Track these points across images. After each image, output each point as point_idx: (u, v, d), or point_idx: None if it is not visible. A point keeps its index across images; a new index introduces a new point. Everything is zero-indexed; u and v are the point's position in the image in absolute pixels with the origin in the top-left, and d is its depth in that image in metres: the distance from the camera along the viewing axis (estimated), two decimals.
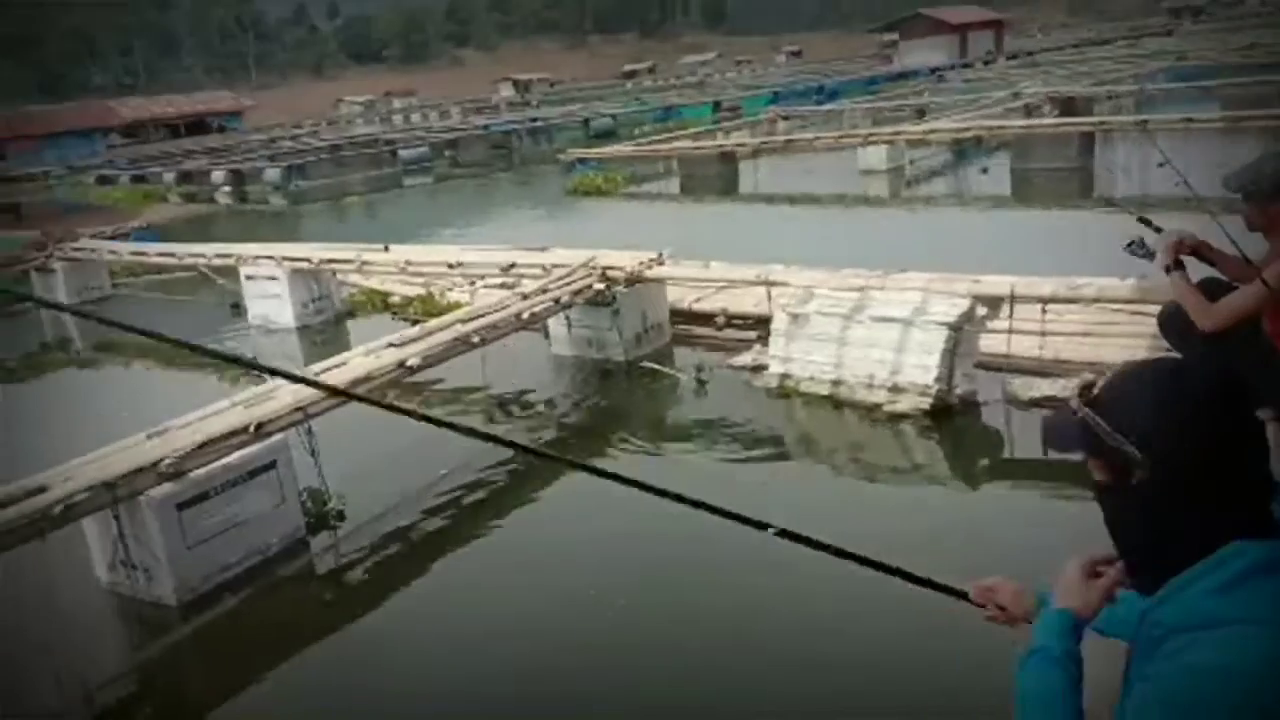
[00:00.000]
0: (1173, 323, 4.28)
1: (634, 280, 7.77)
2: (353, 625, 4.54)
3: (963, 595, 1.91)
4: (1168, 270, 3.85)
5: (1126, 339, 6.29)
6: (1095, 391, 1.44)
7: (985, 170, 16.77)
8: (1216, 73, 23.88)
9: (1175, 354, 3.85)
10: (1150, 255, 3.91)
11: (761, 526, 2.00)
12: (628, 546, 4.94)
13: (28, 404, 9.08)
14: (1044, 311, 6.38)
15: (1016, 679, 1.56)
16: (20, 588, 4.41)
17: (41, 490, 4.36)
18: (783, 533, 1.99)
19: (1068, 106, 20.19)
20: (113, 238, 13.67)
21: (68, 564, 4.78)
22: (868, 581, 1.99)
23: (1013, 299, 6.22)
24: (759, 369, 7.05)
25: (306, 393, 5.37)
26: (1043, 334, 6.43)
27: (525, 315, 7.02)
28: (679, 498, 2.03)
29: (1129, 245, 3.95)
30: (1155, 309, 5.06)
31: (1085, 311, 6.70)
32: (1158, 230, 3.96)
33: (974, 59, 45.82)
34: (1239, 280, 3.81)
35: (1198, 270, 3.93)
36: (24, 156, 38.32)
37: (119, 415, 6.85)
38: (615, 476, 2.09)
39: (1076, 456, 1.54)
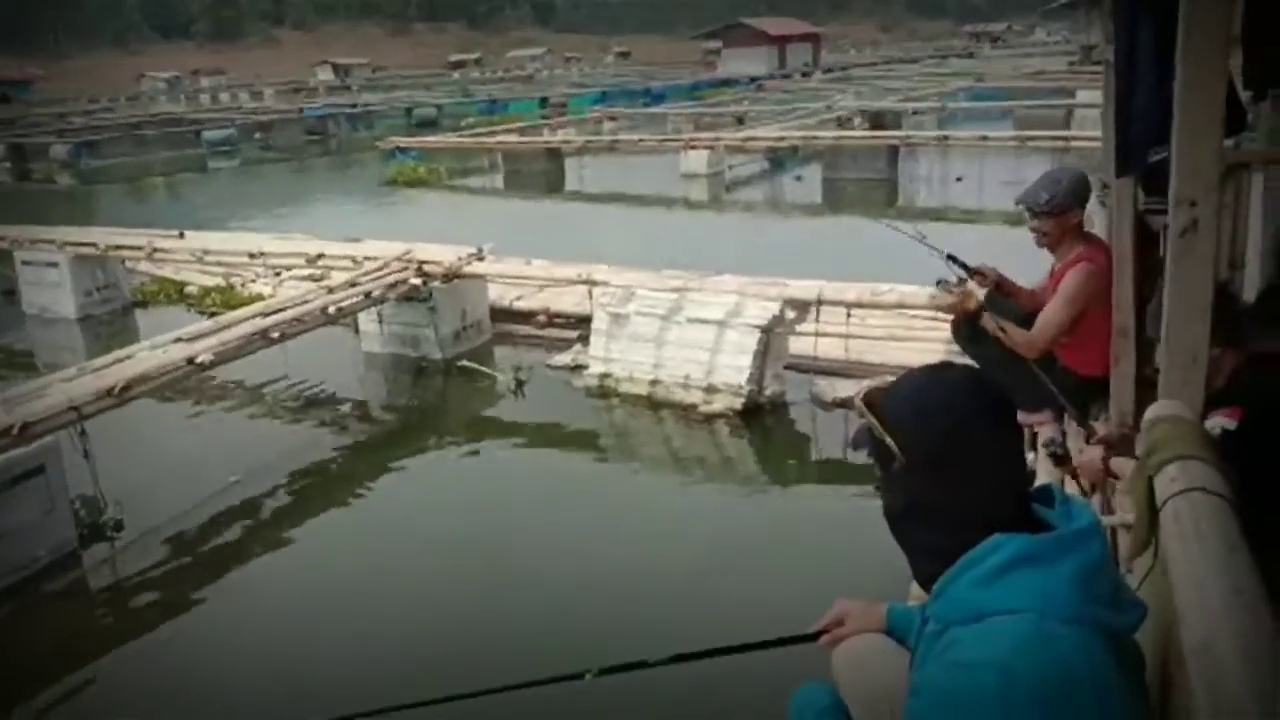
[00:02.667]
0: (961, 329, 4.52)
1: (452, 276, 7.57)
2: (131, 645, 4.17)
3: (813, 638, 1.90)
4: (976, 316, 3.98)
5: (925, 342, 6.62)
6: (881, 394, 1.53)
7: (799, 178, 17.42)
8: (1010, 95, 25.78)
9: (966, 358, 4.03)
10: (952, 287, 4.06)
11: (578, 676, 1.92)
12: (449, 540, 4.82)
13: None
14: (849, 316, 6.62)
15: None
16: None
17: None
18: (603, 671, 1.92)
19: (877, 120, 21.25)
20: None
21: None
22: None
23: (820, 303, 6.44)
24: (579, 368, 7.01)
25: (81, 391, 4.93)
26: (848, 337, 6.68)
27: (332, 310, 6.70)
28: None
29: (940, 283, 4.08)
30: (949, 316, 5.36)
31: (887, 316, 7.02)
32: (964, 266, 4.08)
33: (792, 70, 47.59)
34: (1030, 306, 4.02)
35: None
36: None
37: None
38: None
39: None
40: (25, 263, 9.50)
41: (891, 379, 1.60)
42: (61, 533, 4.74)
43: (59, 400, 4.82)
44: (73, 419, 4.80)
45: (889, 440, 1.46)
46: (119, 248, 9.23)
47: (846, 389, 6.20)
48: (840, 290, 6.49)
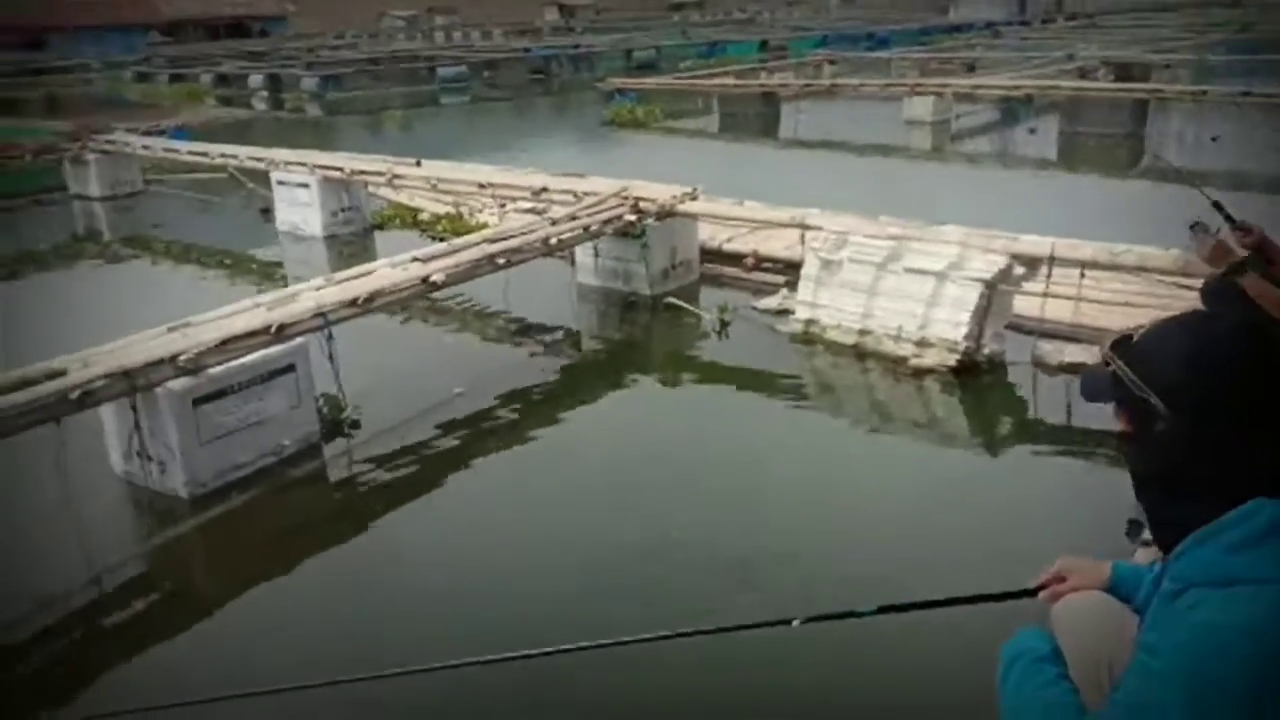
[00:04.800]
0: (1216, 296, 4.11)
1: (665, 214, 7.65)
2: (362, 531, 4.56)
3: (1032, 593, 1.85)
4: (1240, 271, 3.58)
5: (1165, 311, 6.13)
6: (1133, 342, 1.44)
7: (1033, 130, 16.34)
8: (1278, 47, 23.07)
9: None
10: (1212, 235, 3.66)
11: (785, 623, 1.92)
12: (647, 470, 4.95)
13: (55, 294, 9.11)
14: (1082, 276, 6.22)
15: (1001, 690, 1.59)
16: (37, 471, 4.43)
17: (60, 374, 4.37)
18: (808, 619, 1.92)
19: (1123, 72, 19.59)
20: (147, 134, 13.60)
21: (87, 451, 4.80)
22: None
23: (1051, 261, 6.08)
24: (784, 313, 6.96)
25: (329, 298, 5.36)
26: (1078, 299, 6.29)
27: (553, 241, 6.93)
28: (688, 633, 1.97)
29: (1193, 226, 3.70)
30: (1197, 281, 4.92)
31: (1124, 280, 6.55)
32: (1229, 218, 3.70)
33: (1033, 16, 44.52)
34: None
35: None
36: (63, 47, 38.05)
37: (143, 309, 6.84)
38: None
39: (1106, 410, 1.51)
40: (280, 183, 10.34)
41: (1131, 329, 1.49)
42: (306, 426, 5.21)
43: (309, 306, 5.27)
44: (320, 324, 5.24)
45: (1154, 399, 1.35)
46: (362, 172, 9.89)
47: (1074, 354, 5.86)
48: (1074, 248, 6.10)
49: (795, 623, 1.93)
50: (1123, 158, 14.10)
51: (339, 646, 3.64)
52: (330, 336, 5.29)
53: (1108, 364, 1.44)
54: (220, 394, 4.83)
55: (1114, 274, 6.41)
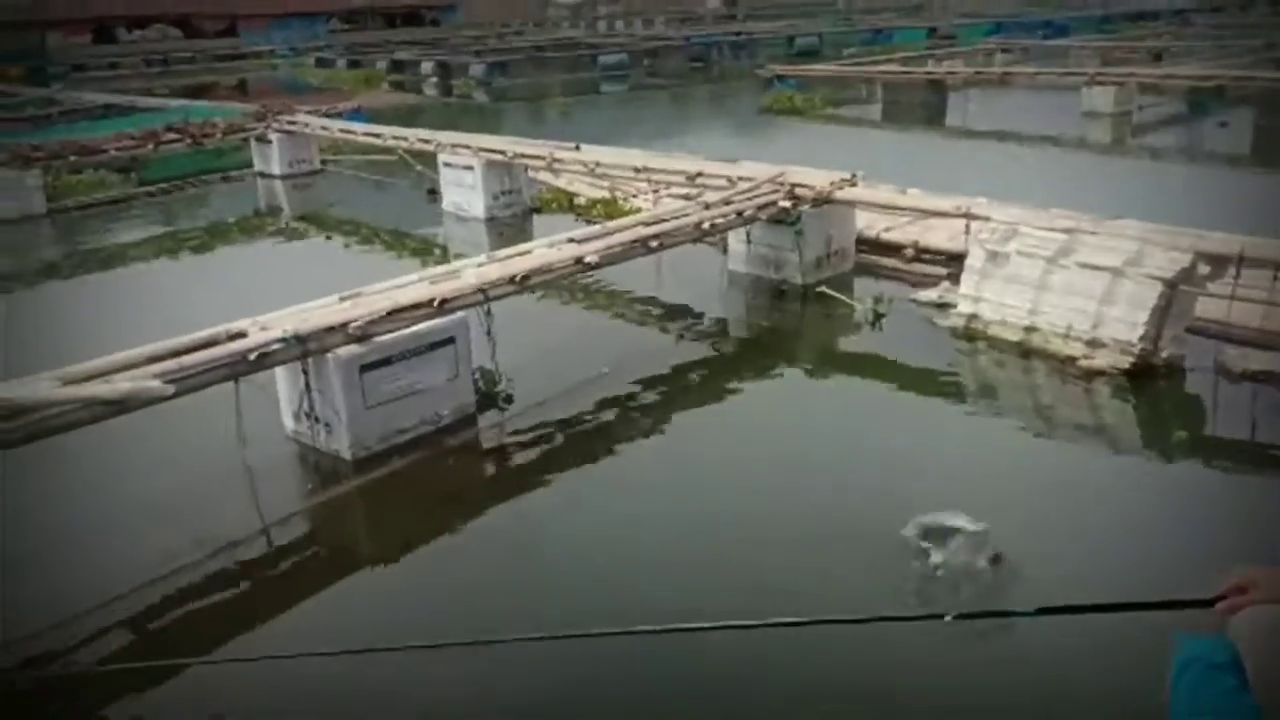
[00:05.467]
0: None
1: (822, 200, 7.51)
2: (512, 501, 4.68)
3: (1209, 603, 1.71)
4: None
5: None
6: None
7: (1225, 124, 15.22)
8: None
9: None
10: None
11: (938, 616, 1.85)
12: (795, 467, 4.88)
13: (238, 264, 9.74)
14: (1275, 279, 5.75)
15: (1172, 697, 1.45)
16: (215, 425, 4.74)
17: (240, 336, 4.66)
18: (962, 615, 1.83)
19: None
20: (326, 115, 14.35)
21: (260, 410, 5.10)
22: None
23: (1240, 260, 5.64)
24: (945, 306, 6.72)
25: (489, 275, 5.52)
26: (1270, 304, 5.81)
27: (706, 225, 6.91)
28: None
29: None
30: None
31: None
32: None
33: (1226, 2, 41.43)
34: None
35: None
36: (253, 36, 40.63)
37: (316, 281, 7.23)
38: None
39: None
40: (446, 165, 10.72)
41: None
42: (463, 397, 5.39)
43: (471, 282, 5.44)
44: (480, 299, 5.41)
45: None
46: (523, 156, 10.13)
47: (1261, 361, 5.43)
48: (1268, 248, 5.64)
49: (948, 617, 1.86)
50: None
51: (481, 606, 3.76)
52: (489, 312, 5.44)
53: None
54: (385, 362, 5.04)
55: None
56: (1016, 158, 13.98)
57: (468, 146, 10.57)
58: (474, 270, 5.66)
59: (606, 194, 10.25)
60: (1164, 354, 5.59)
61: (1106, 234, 5.96)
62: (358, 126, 13.35)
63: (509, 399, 5.54)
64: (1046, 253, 5.98)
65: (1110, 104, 15.82)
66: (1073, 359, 5.72)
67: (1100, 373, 5.59)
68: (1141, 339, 5.48)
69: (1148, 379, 5.54)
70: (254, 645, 3.64)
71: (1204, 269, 5.68)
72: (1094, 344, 5.65)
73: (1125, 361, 5.51)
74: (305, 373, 4.92)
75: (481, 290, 5.39)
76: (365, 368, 4.97)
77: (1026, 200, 7.54)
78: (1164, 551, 3.94)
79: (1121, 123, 15.80)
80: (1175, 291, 5.53)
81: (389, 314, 5.05)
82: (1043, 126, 15.52)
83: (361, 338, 4.95)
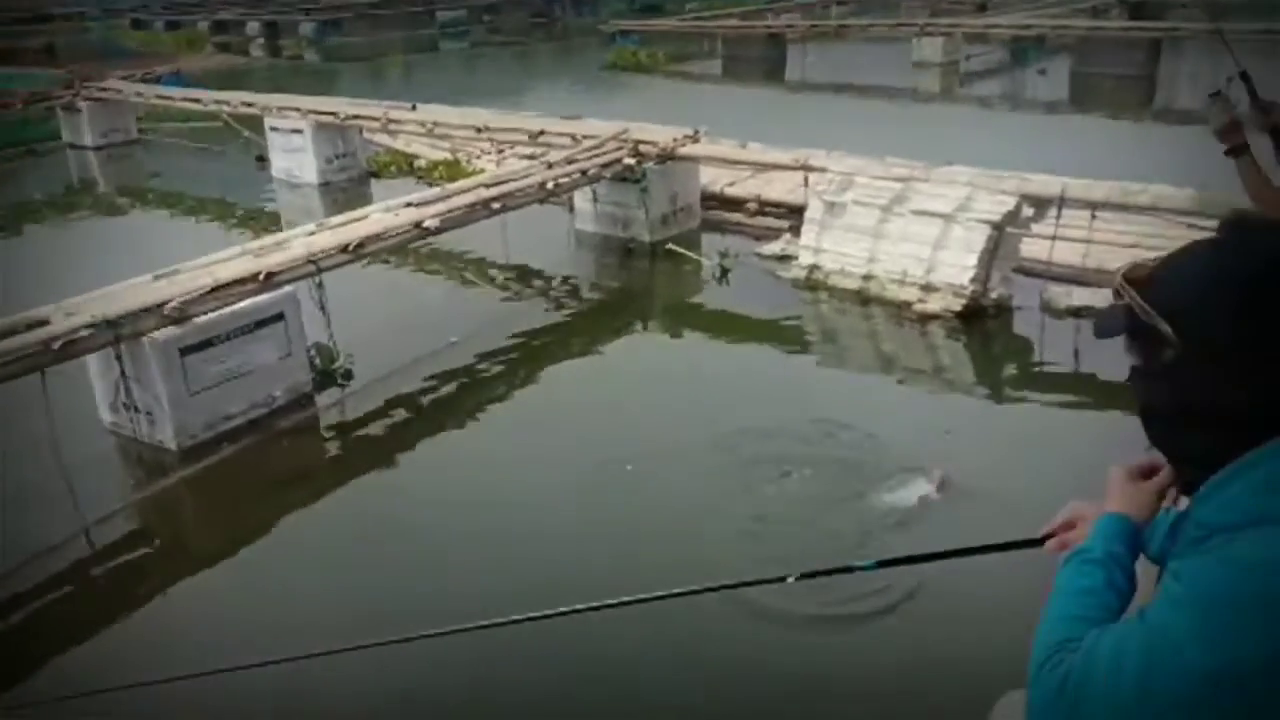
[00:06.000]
0: (1236, 231, 3.97)
1: (666, 157, 7.47)
2: (355, 482, 4.49)
3: (1039, 542, 1.73)
4: (1231, 153, 3.49)
5: None
6: (1147, 272, 1.29)
7: (1044, 72, 15.98)
8: None
9: None
10: (1231, 109, 3.52)
11: (780, 580, 1.83)
12: (634, 417, 4.85)
13: (50, 247, 8.98)
14: (1093, 218, 6.06)
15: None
16: (23, 422, 4.34)
17: (42, 324, 4.27)
18: (804, 575, 1.81)
19: (1137, 10, 19.12)
20: (141, 81, 13.35)
21: (72, 403, 4.71)
22: None
23: (1062, 201, 5.92)
24: (787, 259, 6.81)
25: (319, 245, 5.24)
26: (1089, 242, 6.13)
27: (550, 185, 6.76)
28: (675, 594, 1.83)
29: (1213, 95, 3.53)
30: (1213, 221, 4.77)
31: (1135, 223, 6.37)
32: (1253, 92, 3.51)
33: None
34: None
35: None
36: None
37: (135, 259, 6.73)
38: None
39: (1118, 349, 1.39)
40: (274, 129, 10.14)
41: (1146, 259, 1.37)
42: (297, 376, 5.12)
43: (299, 253, 5.14)
44: (311, 271, 5.12)
45: (1161, 325, 1.22)
46: (357, 117, 9.69)
47: (1082, 298, 5.72)
48: (1086, 188, 5.93)
49: (791, 579, 1.83)
50: (1135, 98, 13.79)
51: (330, 602, 3.57)
52: (321, 284, 5.16)
53: (1119, 295, 1.31)
54: (208, 343, 4.73)
55: (1124, 216, 6.24)
56: (853, 109, 14.31)
57: (296, 109, 10.03)
58: (303, 240, 5.37)
59: (448, 155, 9.93)
60: (993, 295, 5.82)
61: (938, 181, 6.14)
62: (175, 91, 12.50)
63: (348, 375, 5.30)
64: (881, 201, 6.12)
65: (939, 54, 16.36)
66: (909, 304, 5.89)
67: (935, 316, 5.78)
68: (972, 281, 5.68)
69: (979, 319, 5.77)
70: (78, 660, 3.36)
71: (1028, 211, 5.93)
72: (928, 288, 5.84)
73: (958, 304, 5.71)
74: (119, 359, 4.55)
75: (312, 261, 5.11)
76: (186, 350, 4.65)
77: (863, 151, 7.71)
78: (996, 476, 4.10)
79: (950, 72, 16.38)
80: (1002, 234, 5.75)
81: (210, 291, 4.72)
82: (877, 78, 15.93)
83: (180, 319, 4.62)
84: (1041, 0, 21.35)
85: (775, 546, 3.69)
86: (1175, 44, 15.33)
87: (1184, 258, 1.28)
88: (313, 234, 5.52)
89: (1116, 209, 6.00)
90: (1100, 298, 5.65)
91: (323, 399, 5.19)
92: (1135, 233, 6.39)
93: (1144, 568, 1.61)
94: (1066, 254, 6.10)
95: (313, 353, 5.24)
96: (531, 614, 1.90)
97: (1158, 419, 1.31)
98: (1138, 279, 1.30)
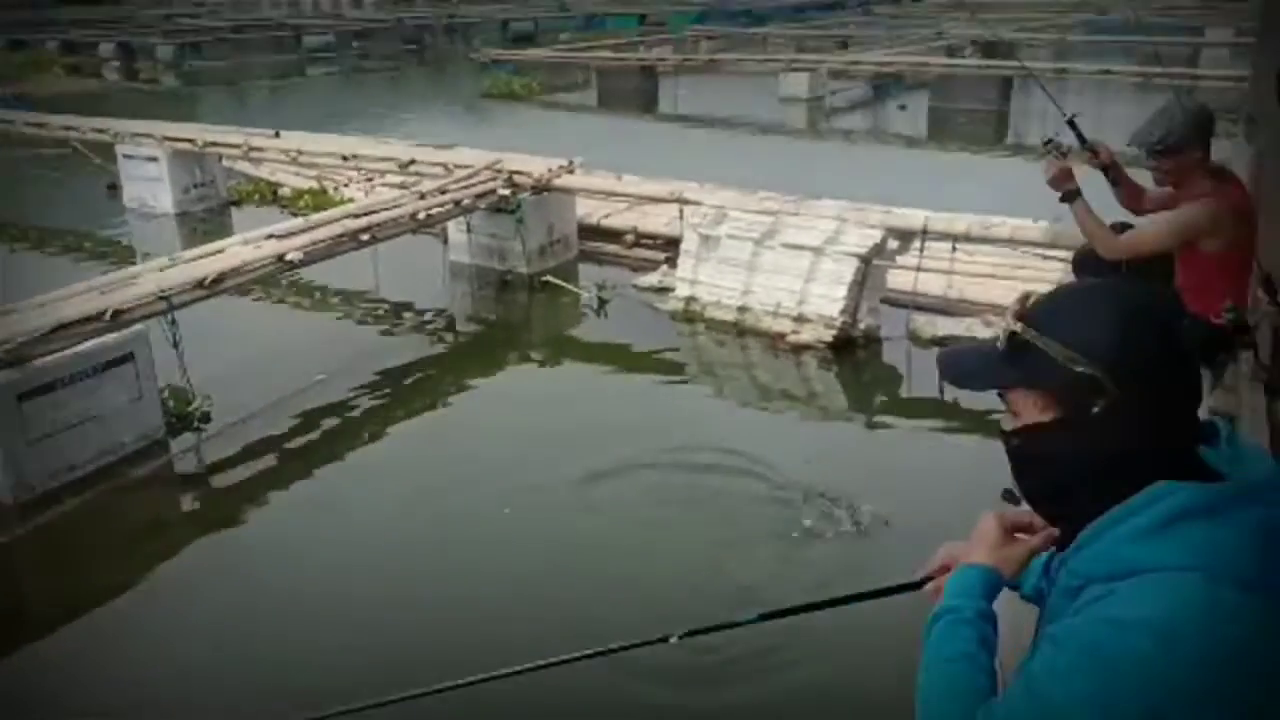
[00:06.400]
0: (1088, 264, 4.22)
1: (541, 188, 7.41)
2: (213, 534, 4.23)
3: (917, 585, 1.71)
4: (1065, 199, 3.71)
5: (1036, 283, 6.24)
6: (1032, 317, 1.24)
7: (904, 107, 16.66)
8: (1133, 29, 24.18)
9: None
10: (1061, 156, 3.75)
11: (662, 640, 1.74)
12: (512, 455, 4.73)
13: None
14: (954, 250, 6.29)
15: (923, 643, 1.40)
16: None
17: None
18: (687, 634, 1.74)
19: (990, 50, 20.18)
20: None
21: None
22: None
23: (925, 234, 6.11)
24: (665, 290, 6.83)
25: (172, 280, 4.96)
26: (951, 273, 6.35)
27: (422, 216, 6.61)
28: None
29: (1047, 143, 3.79)
30: (1067, 253, 5.03)
31: (994, 254, 6.65)
32: (1080, 137, 3.82)
33: None
34: (1133, 209, 3.83)
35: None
36: None
37: None
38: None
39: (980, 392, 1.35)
40: (126, 156, 9.63)
41: (1025, 299, 1.28)
42: (149, 420, 4.81)
43: (150, 289, 4.85)
44: (163, 308, 4.83)
45: (1102, 376, 1.16)
46: (216, 144, 9.29)
47: (947, 327, 5.92)
48: (948, 221, 6.15)
49: (674, 638, 1.76)
50: (989, 133, 14.51)
51: (175, 672, 3.33)
52: (173, 322, 4.87)
53: (1017, 341, 1.24)
54: (49, 388, 4.39)
55: (982, 247, 6.49)
56: (725, 142, 14.58)
57: (150, 135, 9.55)
58: (155, 275, 5.06)
59: (315, 185, 9.62)
60: (862, 325, 5.96)
61: (807, 214, 6.26)
62: (18, 114, 11.74)
63: (205, 418, 4.99)
64: (754, 235, 6.20)
65: (805, 89, 16.85)
66: (782, 335, 5.98)
67: (808, 346, 5.88)
68: (841, 313, 5.81)
69: (850, 349, 5.89)
70: None
71: (893, 244, 6.10)
72: (801, 320, 5.93)
73: (829, 335, 5.83)
74: None
75: (164, 297, 4.82)
76: (24, 395, 4.30)
77: (736, 183, 7.83)
78: (869, 500, 4.16)
79: (816, 107, 16.89)
80: (869, 266, 5.90)
81: (52, 331, 4.40)
82: (746, 111, 16.30)
83: (17, 361, 4.28)
84: (902, 38, 22.35)
85: (657, 590, 3.64)
86: (1025, 82, 16.22)
87: (1091, 302, 1.24)
88: (166, 268, 5.22)
89: (977, 241, 6.24)
90: (963, 326, 5.87)
91: (177, 445, 4.89)
92: (994, 262, 6.67)
93: (1017, 606, 1.63)
94: (931, 284, 6.31)
95: (166, 395, 4.94)
96: (390, 697, 1.78)
97: (1048, 475, 1.26)
98: (1039, 323, 1.23)
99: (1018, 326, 1.23)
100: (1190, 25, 22.67)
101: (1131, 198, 3.85)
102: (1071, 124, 3.86)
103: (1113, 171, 3.85)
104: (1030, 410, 1.25)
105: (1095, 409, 1.18)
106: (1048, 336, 1.21)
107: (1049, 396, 1.23)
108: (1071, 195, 3.64)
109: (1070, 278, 4.38)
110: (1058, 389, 1.21)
